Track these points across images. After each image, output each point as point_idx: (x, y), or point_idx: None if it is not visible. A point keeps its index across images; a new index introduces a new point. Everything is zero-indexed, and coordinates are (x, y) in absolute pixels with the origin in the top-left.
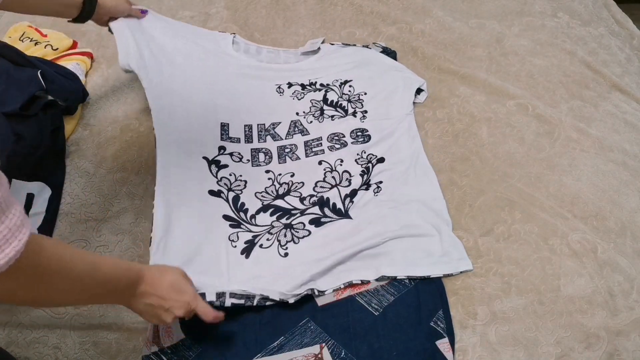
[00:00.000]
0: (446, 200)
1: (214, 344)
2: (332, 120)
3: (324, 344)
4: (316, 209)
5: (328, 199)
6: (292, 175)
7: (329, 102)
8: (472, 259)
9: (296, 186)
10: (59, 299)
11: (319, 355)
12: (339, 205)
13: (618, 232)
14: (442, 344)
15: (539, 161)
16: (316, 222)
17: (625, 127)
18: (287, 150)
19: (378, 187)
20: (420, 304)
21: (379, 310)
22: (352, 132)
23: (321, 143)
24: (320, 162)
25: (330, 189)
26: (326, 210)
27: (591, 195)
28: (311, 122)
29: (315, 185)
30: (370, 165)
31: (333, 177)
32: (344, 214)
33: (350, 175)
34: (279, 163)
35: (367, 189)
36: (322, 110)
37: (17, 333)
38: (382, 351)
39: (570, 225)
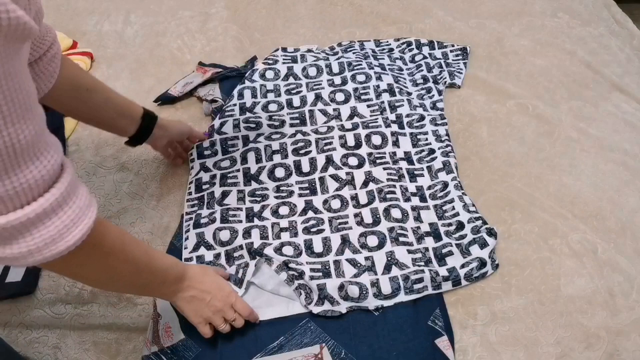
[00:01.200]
0: None
1: (214, 345)
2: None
3: (324, 344)
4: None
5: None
6: None
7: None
8: None
9: None
10: (117, 281)
11: (319, 355)
12: None
13: (618, 232)
14: (442, 342)
15: (539, 161)
16: None
17: (625, 127)
18: None
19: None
20: (417, 303)
21: (378, 310)
22: None
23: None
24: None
25: None
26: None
27: (591, 195)
28: None
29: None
30: None
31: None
32: None
33: None
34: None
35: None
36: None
37: (17, 333)
38: (381, 351)
39: (570, 225)
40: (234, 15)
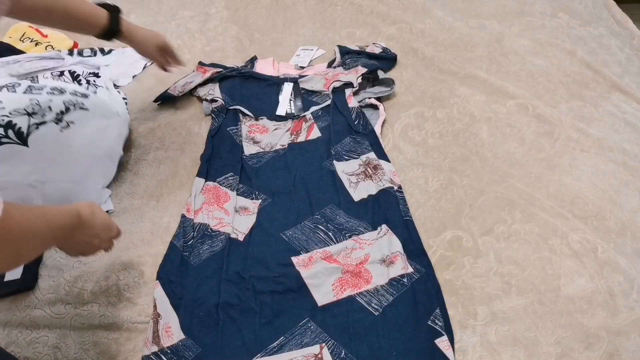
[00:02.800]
0: (446, 201)
1: (214, 344)
2: None
3: (324, 344)
4: None
5: None
6: None
7: None
8: (472, 258)
9: None
10: (23, 259)
11: (319, 355)
12: None
13: (618, 232)
14: (442, 342)
15: (539, 161)
16: None
17: (625, 127)
18: None
19: None
20: (417, 303)
21: (378, 310)
22: None
23: None
24: None
25: None
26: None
27: (591, 195)
28: None
29: None
30: None
31: None
32: None
33: None
34: None
35: None
36: None
37: (17, 333)
38: (381, 351)
39: (570, 225)
40: (234, 15)
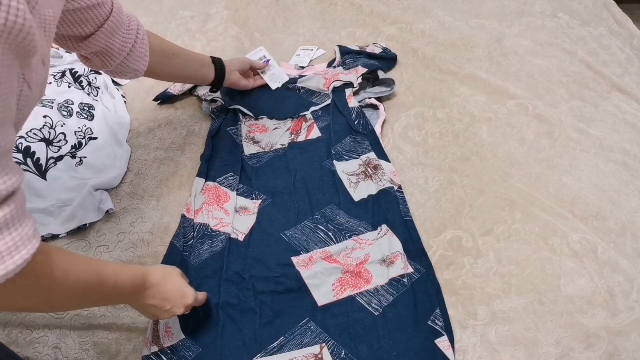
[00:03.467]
0: (446, 201)
1: (214, 344)
2: None
3: (324, 344)
4: None
5: None
6: None
7: None
8: (472, 258)
9: None
10: (65, 306)
11: (319, 356)
12: None
13: (618, 232)
14: (442, 342)
15: (539, 161)
16: None
17: (625, 127)
18: None
19: None
20: (417, 303)
21: (378, 310)
22: None
23: None
24: None
25: None
26: None
27: (591, 195)
28: None
29: None
30: None
31: None
32: None
33: None
34: None
35: None
36: None
37: (17, 333)
38: (382, 351)
39: (570, 225)
40: (234, 15)
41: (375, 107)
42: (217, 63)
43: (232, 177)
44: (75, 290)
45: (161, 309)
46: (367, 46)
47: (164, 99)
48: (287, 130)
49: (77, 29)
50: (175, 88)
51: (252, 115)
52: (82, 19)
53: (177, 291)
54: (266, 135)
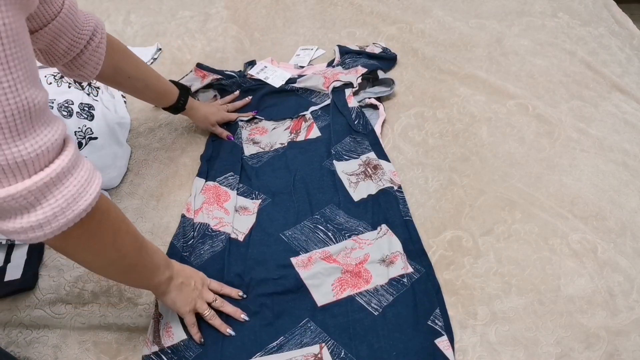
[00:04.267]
0: (446, 201)
1: (214, 344)
2: None
3: (323, 344)
4: None
5: None
6: None
7: None
8: (472, 258)
9: None
10: (122, 259)
11: (319, 355)
12: None
13: (618, 232)
14: (441, 342)
15: (539, 161)
16: None
17: (625, 127)
18: None
19: None
20: (417, 303)
21: (378, 310)
22: None
23: None
24: None
25: None
26: None
27: (591, 195)
28: None
29: None
30: None
31: None
32: None
33: None
34: None
35: None
36: None
37: (17, 333)
38: (381, 351)
39: (570, 225)
40: (234, 15)
41: (375, 107)
42: (179, 104)
43: (232, 177)
44: (131, 237)
45: (189, 285)
46: (367, 46)
47: None
48: (286, 129)
49: None
50: None
51: (251, 120)
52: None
53: (190, 269)
54: (266, 137)
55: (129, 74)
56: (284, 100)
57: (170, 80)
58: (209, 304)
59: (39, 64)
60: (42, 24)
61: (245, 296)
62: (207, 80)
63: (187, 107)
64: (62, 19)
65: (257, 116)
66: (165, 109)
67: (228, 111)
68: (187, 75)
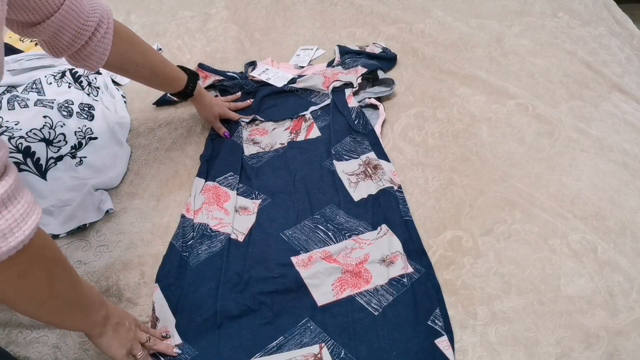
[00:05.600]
0: (446, 201)
1: (210, 347)
2: None
3: (323, 344)
4: None
5: None
6: None
7: None
8: (472, 258)
9: None
10: (57, 297)
11: (319, 355)
12: None
13: (618, 232)
14: (442, 342)
15: (539, 161)
16: None
17: (625, 127)
18: None
19: None
20: (417, 303)
21: (378, 310)
22: None
23: None
24: None
25: None
26: None
27: (591, 195)
28: None
29: None
30: None
31: None
32: None
33: None
34: None
35: None
36: None
37: (17, 333)
38: (381, 351)
39: (570, 225)
40: (234, 15)
41: (375, 107)
42: (187, 91)
43: (232, 177)
44: (67, 274)
45: (124, 326)
46: (367, 46)
47: (164, 103)
48: (286, 129)
49: (23, 15)
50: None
51: (252, 122)
52: (29, 7)
53: (121, 310)
54: (266, 137)
55: (137, 61)
56: (284, 101)
57: (179, 66)
58: (142, 344)
59: (41, 62)
60: (44, 16)
61: (180, 352)
62: (209, 81)
63: (196, 93)
64: (65, 11)
65: (258, 118)
66: (173, 95)
67: (230, 109)
68: None
